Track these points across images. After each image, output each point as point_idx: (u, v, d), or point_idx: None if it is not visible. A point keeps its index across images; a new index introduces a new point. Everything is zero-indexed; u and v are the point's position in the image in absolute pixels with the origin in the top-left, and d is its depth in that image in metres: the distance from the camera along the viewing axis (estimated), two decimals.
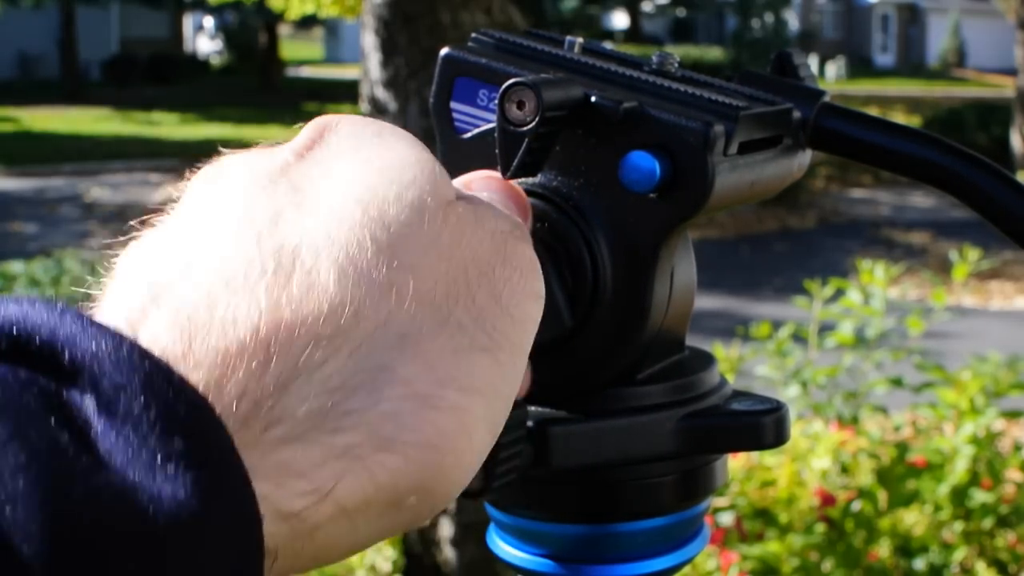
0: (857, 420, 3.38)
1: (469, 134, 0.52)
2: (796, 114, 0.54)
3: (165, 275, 0.34)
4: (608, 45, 0.58)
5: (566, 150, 0.50)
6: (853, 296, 3.64)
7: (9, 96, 24.06)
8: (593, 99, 0.49)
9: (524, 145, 0.48)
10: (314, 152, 0.39)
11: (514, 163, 0.49)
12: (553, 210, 0.50)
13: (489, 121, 0.51)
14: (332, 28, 39.30)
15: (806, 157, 0.57)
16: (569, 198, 0.50)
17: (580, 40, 0.54)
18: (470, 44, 0.54)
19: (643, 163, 0.48)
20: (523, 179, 0.50)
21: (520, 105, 0.48)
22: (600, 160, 0.49)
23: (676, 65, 0.52)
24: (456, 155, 0.52)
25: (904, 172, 0.54)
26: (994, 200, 0.51)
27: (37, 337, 0.29)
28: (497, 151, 0.49)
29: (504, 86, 0.48)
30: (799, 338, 3.70)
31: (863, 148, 0.54)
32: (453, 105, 0.53)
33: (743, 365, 3.62)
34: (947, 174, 0.52)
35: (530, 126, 0.48)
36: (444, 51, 0.53)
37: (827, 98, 0.55)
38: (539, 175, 0.51)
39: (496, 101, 0.48)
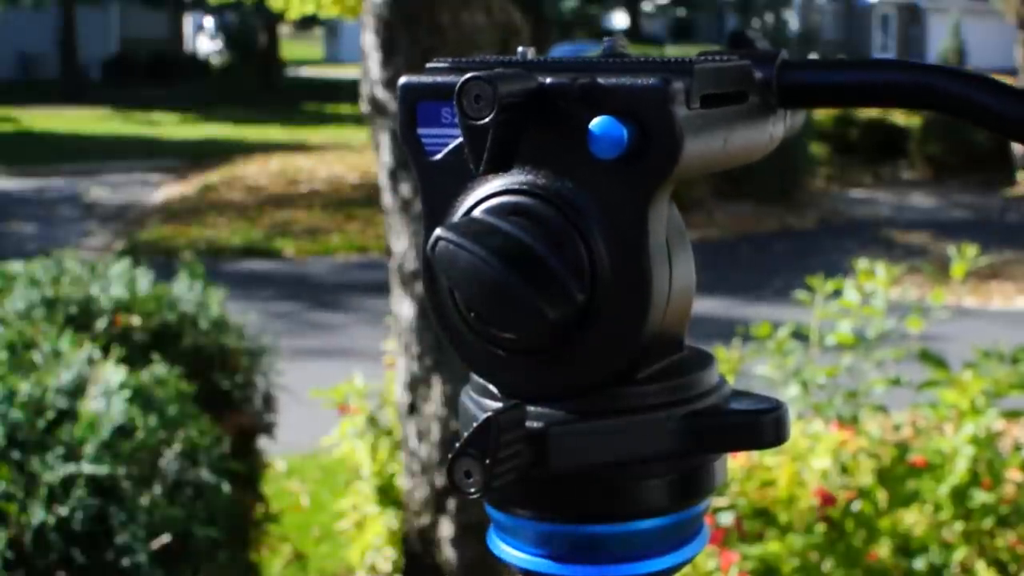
0: (857, 420, 3.38)
1: (440, 154, 0.52)
2: (758, 74, 0.54)
3: None
4: None
5: (535, 144, 0.50)
6: (852, 296, 3.64)
7: (9, 96, 24.04)
8: (548, 81, 0.50)
9: (490, 138, 0.48)
10: None
11: (484, 157, 0.49)
12: (539, 204, 0.50)
13: (457, 136, 0.51)
14: (332, 28, 39.29)
15: (780, 124, 0.57)
16: (549, 188, 0.50)
17: (532, 49, 0.54)
18: (427, 69, 0.54)
19: (609, 129, 0.48)
20: (506, 180, 0.51)
21: (477, 99, 0.48)
22: (568, 140, 0.50)
23: (626, 47, 0.53)
24: (430, 180, 0.53)
25: (880, 102, 0.54)
26: (972, 102, 0.52)
27: None
28: (465, 150, 0.49)
29: (459, 82, 0.48)
30: (799, 337, 3.70)
31: (833, 91, 0.54)
32: (420, 131, 0.53)
33: (743, 365, 3.61)
34: (923, 90, 0.53)
35: (490, 117, 0.48)
36: (402, 80, 0.54)
37: (784, 56, 0.55)
38: (518, 173, 0.51)
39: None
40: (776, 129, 0.56)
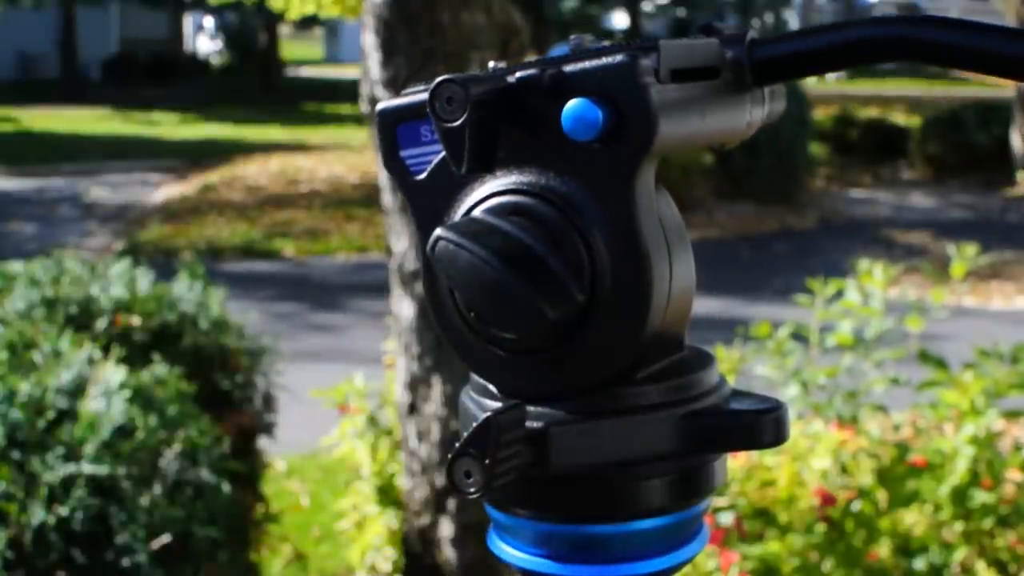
0: (857, 420, 3.38)
1: (424, 173, 0.53)
2: (729, 54, 0.54)
3: None
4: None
5: (518, 142, 0.51)
6: (852, 296, 3.64)
7: (9, 96, 24.03)
8: (518, 75, 0.50)
9: (467, 139, 0.49)
10: None
11: (465, 157, 0.49)
12: (539, 204, 0.50)
13: (439, 152, 0.52)
14: (332, 28, 39.28)
15: (759, 107, 0.57)
16: (546, 186, 0.50)
17: (504, 63, 0.55)
18: (402, 93, 0.55)
19: (583, 111, 0.49)
20: (505, 181, 0.51)
21: (449, 101, 0.48)
22: (546, 132, 0.50)
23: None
24: (419, 199, 0.53)
25: (858, 60, 0.53)
26: (955, 45, 0.51)
27: None
28: (445, 153, 0.50)
29: (431, 86, 0.48)
30: (799, 338, 3.70)
31: (807, 58, 0.54)
32: (403, 154, 0.53)
33: (743, 365, 3.61)
34: (901, 41, 0.52)
35: (463, 117, 0.48)
36: (379, 106, 0.54)
37: (753, 34, 0.55)
38: (514, 173, 0.51)
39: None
40: (755, 110, 0.56)
